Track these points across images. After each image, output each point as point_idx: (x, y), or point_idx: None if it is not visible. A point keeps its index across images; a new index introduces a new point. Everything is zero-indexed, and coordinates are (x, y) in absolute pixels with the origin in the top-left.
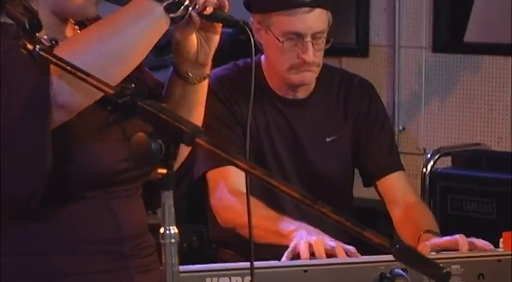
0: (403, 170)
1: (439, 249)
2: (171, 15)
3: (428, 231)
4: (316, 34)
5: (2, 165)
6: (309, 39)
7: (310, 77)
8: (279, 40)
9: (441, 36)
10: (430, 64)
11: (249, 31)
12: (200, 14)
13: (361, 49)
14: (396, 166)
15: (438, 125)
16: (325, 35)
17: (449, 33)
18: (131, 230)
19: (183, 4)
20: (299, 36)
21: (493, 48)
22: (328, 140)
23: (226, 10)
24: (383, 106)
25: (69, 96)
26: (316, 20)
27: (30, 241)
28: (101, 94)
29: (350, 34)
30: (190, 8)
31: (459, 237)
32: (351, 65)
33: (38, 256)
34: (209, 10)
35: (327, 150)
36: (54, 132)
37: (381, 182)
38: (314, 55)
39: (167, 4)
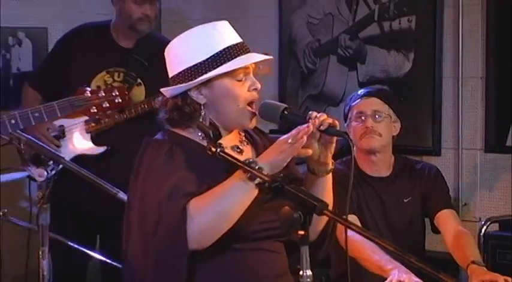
0: (454, 209)
1: None
2: (256, 182)
3: (474, 262)
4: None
5: (151, 274)
6: (368, 113)
7: (369, 143)
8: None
9: (490, 141)
10: (483, 162)
11: (350, 141)
12: (319, 129)
13: (436, 150)
14: (448, 205)
15: (489, 201)
16: (383, 113)
17: (496, 138)
18: (272, 271)
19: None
20: (362, 113)
21: None
22: (405, 200)
23: (337, 127)
24: (442, 177)
25: (196, 245)
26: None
27: None
28: (220, 234)
29: (428, 140)
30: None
31: (500, 278)
32: (428, 161)
33: None
34: (324, 127)
35: (405, 207)
36: None
37: (437, 216)
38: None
39: (257, 183)
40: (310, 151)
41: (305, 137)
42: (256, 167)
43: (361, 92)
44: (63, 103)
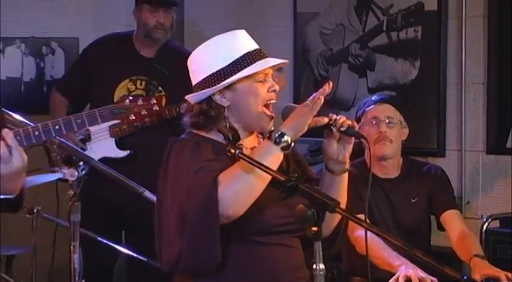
0: (459, 209)
1: (486, 277)
2: (280, 146)
3: (476, 256)
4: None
5: (186, 248)
6: (382, 118)
7: (382, 149)
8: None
9: (491, 143)
10: (484, 162)
11: (367, 142)
12: (338, 130)
13: (441, 152)
14: (453, 205)
15: (490, 200)
16: (395, 120)
17: (497, 141)
18: (288, 265)
19: (290, 145)
20: (376, 118)
21: None
22: (412, 201)
23: (356, 129)
24: (447, 178)
25: (231, 210)
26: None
27: (219, 272)
28: (250, 203)
29: (433, 142)
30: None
31: (501, 273)
32: (433, 162)
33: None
34: (344, 128)
35: (412, 207)
36: None
37: (443, 216)
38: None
39: (282, 147)
40: (325, 119)
41: (322, 98)
42: (279, 133)
43: (374, 97)
44: (104, 111)
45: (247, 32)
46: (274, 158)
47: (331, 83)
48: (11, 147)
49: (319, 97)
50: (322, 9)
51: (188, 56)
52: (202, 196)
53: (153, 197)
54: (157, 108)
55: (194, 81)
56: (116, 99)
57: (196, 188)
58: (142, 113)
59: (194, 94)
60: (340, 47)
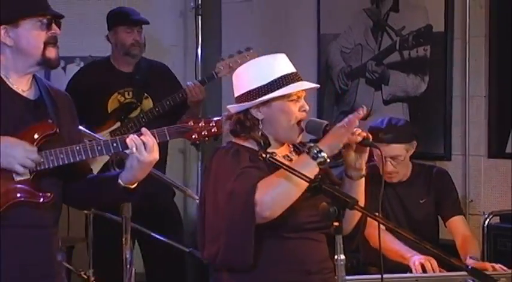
0: (463, 214)
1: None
2: (317, 161)
3: (471, 257)
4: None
5: (223, 246)
6: (388, 159)
7: (391, 179)
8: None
9: (492, 148)
10: (486, 165)
11: (379, 150)
12: (355, 141)
13: (447, 156)
14: (458, 212)
15: (491, 198)
16: (401, 157)
17: (497, 146)
18: (316, 257)
19: (326, 160)
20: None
21: None
22: (421, 202)
23: (370, 139)
24: (452, 182)
25: (269, 213)
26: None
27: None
28: (286, 207)
29: (440, 147)
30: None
31: (488, 265)
32: (440, 165)
33: (261, 272)
34: (359, 139)
35: (421, 207)
36: None
37: (449, 222)
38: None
39: (319, 162)
40: (359, 138)
41: (357, 121)
42: (317, 150)
43: (383, 133)
44: (172, 129)
45: (277, 50)
46: (310, 170)
47: (365, 108)
48: (152, 141)
49: (354, 120)
50: (343, 31)
51: (158, 64)
52: (242, 200)
53: (196, 196)
54: (216, 130)
55: (236, 94)
56: (109, 110)
57: (236, 191)
58: (203, 133)
59: (234, 105)
60: (358, 64)
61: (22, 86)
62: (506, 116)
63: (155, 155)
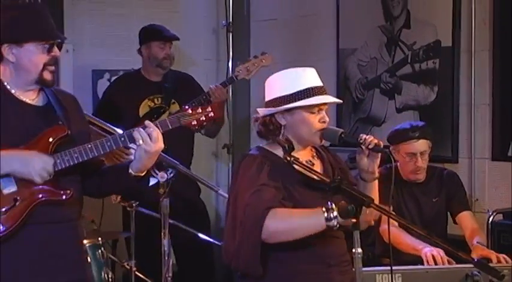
0: (471, 210)
1: (480, 257)
2: (328, 223)
3: (478, 242)
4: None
5: (235, 253)
6: (418, 154)
7: (418, 175)
8: (405, 158)
9: (496, 152)
10: (490, 167)
11: (391, 155)
12: (367, 147)
13: (454, 159)
14: (466, 207)
15: (495, 197)
16: (427, 153)
17: (500, 150)
18: (335, 251)
19: (334, 227)
20: (413, 154)
21: None
22: (434, 200)
23: (381, 146)
24: (461, 182)
25: (271, 240)
26: (421, 145)
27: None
28: (287, 240)
29: (448, 151)
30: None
31: (493, 254)
32: (448, 167)
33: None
34: (371, 146)
35: (433, 205)
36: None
37: (458, 217)
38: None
39: (327, 224)
40: (371, 145)
41: None
42: (333, 215)
43: (411, 131)
44: (173, 118)
45: (299, 64)
46: (315, 225)
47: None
48: (156, 132)
49: None
50: (360, 46)
51: (183, 74)
52: (253, 217)
53: (226, 194)
54: (213, 114)
55: (266, 99)
56: (141, 114)
57: (250, 207)
58: (201, 119)
59: (263, 109)
60: (373, 75)
61: (29, 96)
62: (508, 122)
63: (160, 144)
